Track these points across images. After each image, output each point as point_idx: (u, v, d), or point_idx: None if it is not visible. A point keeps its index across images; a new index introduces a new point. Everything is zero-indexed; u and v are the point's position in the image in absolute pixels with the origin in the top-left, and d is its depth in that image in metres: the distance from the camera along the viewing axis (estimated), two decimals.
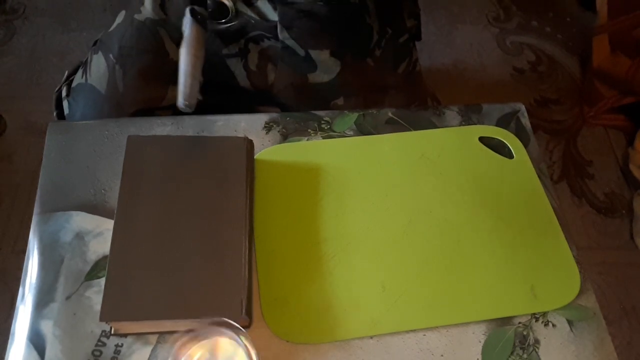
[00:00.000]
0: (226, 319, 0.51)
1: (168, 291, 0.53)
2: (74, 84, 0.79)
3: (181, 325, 0.53)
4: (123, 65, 0.75)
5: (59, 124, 0.71)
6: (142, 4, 0.77)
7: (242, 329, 0.50)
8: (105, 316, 0.51)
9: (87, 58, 0.79)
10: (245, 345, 0.50)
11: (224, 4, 0.63)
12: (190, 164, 0.60)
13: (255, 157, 0.66)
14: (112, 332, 0.54)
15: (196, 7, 0.59)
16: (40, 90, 1.51)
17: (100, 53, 0.77)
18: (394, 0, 0.81)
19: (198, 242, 0.56)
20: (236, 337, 0.51)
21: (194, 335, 0.51)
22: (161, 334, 0.55)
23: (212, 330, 0.51)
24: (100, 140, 0.66)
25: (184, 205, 0.58)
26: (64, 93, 0.79)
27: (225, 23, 0.66)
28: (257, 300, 0.57)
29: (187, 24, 0.58)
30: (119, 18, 0.79)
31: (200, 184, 0.59)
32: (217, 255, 0.55)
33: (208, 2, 0.63)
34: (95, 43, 0.80)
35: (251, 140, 0.65)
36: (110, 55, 0.76)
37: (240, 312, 0.52)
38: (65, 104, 0.79)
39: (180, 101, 0.54)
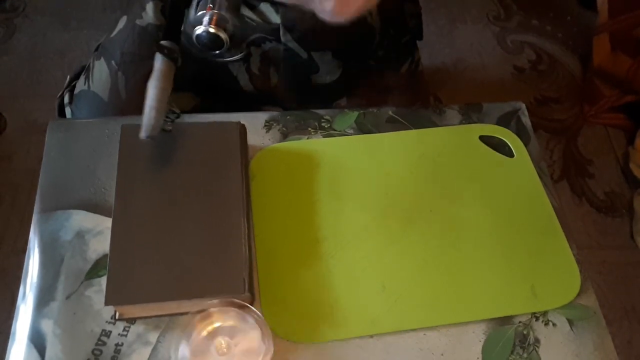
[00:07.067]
0: (233, 299, 0.52)
1: (171, 273, 0.53)
2: (76, 91, 0.79)
3: (185, 306, 0.54)
4: (125, 72, 0.75)
5: (59, 122, 0.71)
6: (144, 9, 0.77)
7: (250, 306, 0.51)
8: (110, 300, 0.52)
9: (89, 64, 0.78)
10: (255, 321, 0.51)
11: (218, 35, 0.63)
12: (185, 149, 0.61)
13: (255, 156, 0.67)
14: (117, 317, 0.55)
15: (163, 42, 0.59)
16: (40, 89, 1.51)
17: (102, 59, 0.77)
18: (395, 0, 0.81)
19: (197, 223, 0.56)
20: (245, 314, 0.52)
21: (206, 315, 0.51)
22: (166, 316, 0.55)
23: (222, 311, 0.52)
24: (101, 139, 0.66)
25: (182, 189, 0.58)
26: (66, 99, 0.79)
27: (221, 54, 0.67)
28: (257, 300, 0.57)
29: (157, 58, 0.59)
30: (121, 23, 0.79)
31: (197, 168, 0.60)
32: (217, 235, 0.56)
33: (203, 34, 0.63)
34: (97, 48, 0.80)
35: (243, 125, 0.65)
36: (113, 62, 0.75)
37: (242, 289, 0.53)
38: (67, 110, 0.79)
39: (142, 134, 0.56)
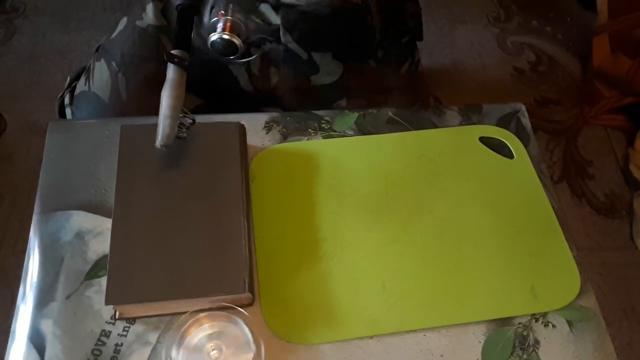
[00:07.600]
0: (226, 304, 0.52)
1: (171, 272, 0.54)
2: (76, 92, 0.79)
3: (185, 306, 0.54)
4: (126, 73, 0.75)
5: (59, 123, 0.71)
6: (144, 10, 0.77)
7: (241, 309, 0.51)
8: (110, 299, 0.52)
9: (90, 65, 0.79)
10: (246, 326, 0.51)
11: (232, 41, 0.64)
12: (185, 149, 0.61)
13: (255, 157, 0.67)
14: (118, 316, 0.55)
15: (174, 52, 0.60)
16: (40, 90, 1.51)
17: (102, 60, 0.77)
18: (395, 0, 0.81)
19: (197, 223, 0.57)
20: (237, 319, 0.52)
21: (196, 319, 0.51)
22: (166, 315, 0.55)
23: (214, 315, 0.52)
24: (101, 140, 0.66)
25: (182, 189, 0.59)
26: (66, 100, 0.79)
27: (235, 59, 0.68)
28: (257, 301, 0.57)
29: (169, 68, 0.59)
30: (121, 24, 0.79)
31: (196, 168, 0.60)
32: (217, 235, 0.56)
33: (217, 39, 0.64)
34: (97, 49, 0.80)
35: (243, 125, 0.66)
36: (113, 63, 0.76)
37: (243, 289, 0.53)
38: (68, 111, 0.79)
39: (158, 142, 0.57)
